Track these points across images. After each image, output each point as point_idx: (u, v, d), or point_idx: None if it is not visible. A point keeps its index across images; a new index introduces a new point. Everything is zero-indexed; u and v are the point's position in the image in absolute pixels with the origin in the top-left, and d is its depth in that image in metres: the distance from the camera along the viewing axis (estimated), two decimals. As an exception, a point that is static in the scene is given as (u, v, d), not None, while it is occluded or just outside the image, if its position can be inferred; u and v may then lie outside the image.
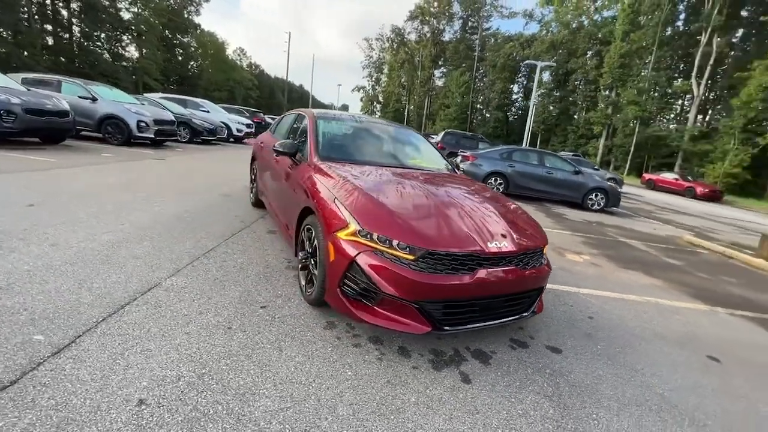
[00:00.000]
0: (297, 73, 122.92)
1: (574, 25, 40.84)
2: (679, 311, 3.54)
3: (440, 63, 55.96)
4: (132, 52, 38.31)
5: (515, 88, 50.03)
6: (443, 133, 17.64)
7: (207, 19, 68.57)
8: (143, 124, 9.11)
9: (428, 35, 54.52)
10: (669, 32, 31.95)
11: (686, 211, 14.02)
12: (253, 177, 5.07)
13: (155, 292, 2.45)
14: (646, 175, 24.33)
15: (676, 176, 22.29)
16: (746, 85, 25.69)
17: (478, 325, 2.22)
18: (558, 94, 42.79)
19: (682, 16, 32.54)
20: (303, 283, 2.69)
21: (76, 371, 1.67)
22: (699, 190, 20.15)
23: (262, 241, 3.77)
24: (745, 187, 26.68)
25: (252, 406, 1.63)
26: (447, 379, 2.02)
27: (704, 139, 29.47)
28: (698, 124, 31.56)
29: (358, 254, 2.08)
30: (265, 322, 2.30)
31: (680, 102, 35.48)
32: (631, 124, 32.54)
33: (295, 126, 3.97)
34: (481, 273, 2.11)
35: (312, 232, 2.54)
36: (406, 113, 57.98)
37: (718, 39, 29.19)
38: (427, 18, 54.12)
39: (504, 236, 2.30)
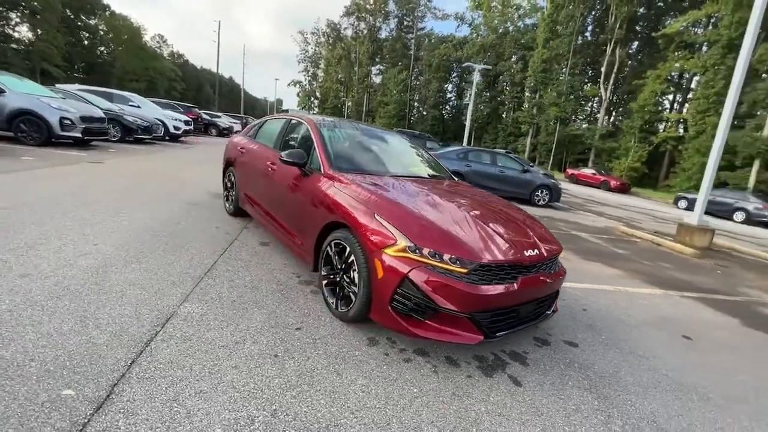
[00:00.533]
0: (227, 64, 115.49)
1: (500, 30, 43.73)
2: (643, 297, 4.07)
3: (377, 60, 56.44)
4: (24, 32, 32.89)
5: (449, 87, 52.29)
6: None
7: (119, 1, 61.21)
8: (68, 122, 7.93)
9: (365, 32, 54.59)
10: (581, 42, 35.68)
11: (607, 202, 15.92)
12: (228, 184, 4.73)
13: (175, 323, 2.21)
14: (569, 170, 27.06)
15: (593, 171, 25.15)
16: (642, 91, 29.85)
17: (519, 328, 2.36)
18: (488, 94, 45.59)
19: (590, 28, 36.63)
20: (331, 300, 2.61)
21: (134, 428, 1.47)
22: (612, 183, 22.96)
23: (259, 255, 3.55)
24: (643, 179, 30.96)
25: (345, 439, 1.57)
26: (501, 385, 2.12)
27: (611, 137, 33.50)
28: (606, 124, 35.73)
29: (410, 270, 2.09)
30: (308, 346, 2.21)
31: (590, 104, 39.87)
32: (552, 124, 35.87)
33: (289, 132, 3.78)
34: (523, 280, 2.25)
35: (343, 248, 2.47)
36: (345, 110, 57.57)
37: (620, 50, 33.31)
38: (363, 15, 54.12)
39: (534, 244, 2.46)
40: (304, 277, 3.17)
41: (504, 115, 45.02)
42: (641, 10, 33.54)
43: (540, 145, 38.11)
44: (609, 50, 33.38)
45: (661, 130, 30.53)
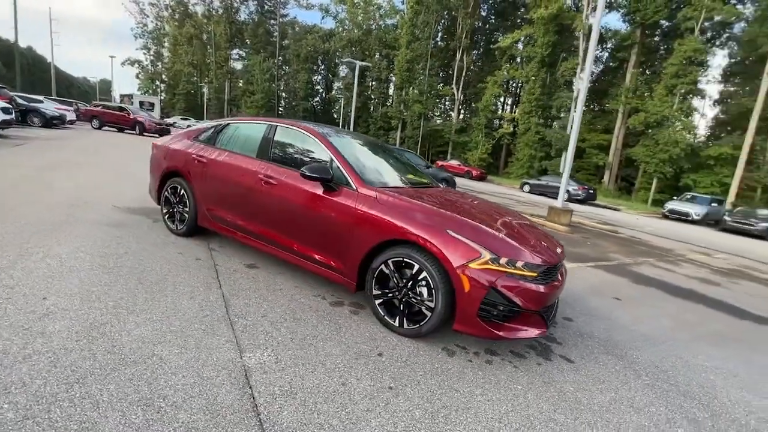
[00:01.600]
0: (27, 34, 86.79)
1: (364, 27, 45.42)
2: (572, 271, 5.15)
3: (237, 44, 51.74)
4: None
5: (318, 78, 51.90)
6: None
7: None
8: None
9: (220, 11, 49.21)
10: (436, 46, 40.05)
11: (477, 189, 18.66)
12: (174, 199, 3.92)
13: (260, 379, 1.90)
14: (439, 162, 30.40)
15: (458, 162, 28.87)
16: (484, 93, 35.47)
17: (554, 318, 2.81)
18: (358, 88, 47.08)
19: (439, 35, 41.42)
20: (391, 319, 2.59)
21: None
22: (474, 172, 26.84)
23: (258, 279, 3.15)
24: (489, 168, 37.14)
25: (523, 447, 1.71)
26: (562, 364, 2.53)
27: (464, 132, 38.94)
28: (459, 121, 41.23)
29: (496, 280, 2.28)
30: (405, 370, 2.19)
31: (446, 102, 45.36)
32: (417, 119, 39.54)
33: (276, 141, 3.37)
34: (558, 277, 2.69)
35: (405, 265, 2.49)
36: (203, 97, 51.15)
37: (466, 57, 38.73)
38: (215, -9, 48.62)
39: (555, 245, 2.94)
40: (330, 299, 2.99)
41: (372, 110, 47.27)
42: (479, 24, 39.67)
43: (407, 138, 41.52)
44: (458, 56, 38.37)
45: (500, 127, 36.91)
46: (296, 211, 3.00)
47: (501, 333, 2.33)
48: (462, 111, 46.11)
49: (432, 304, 2.42)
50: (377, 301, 2.66)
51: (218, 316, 2.44)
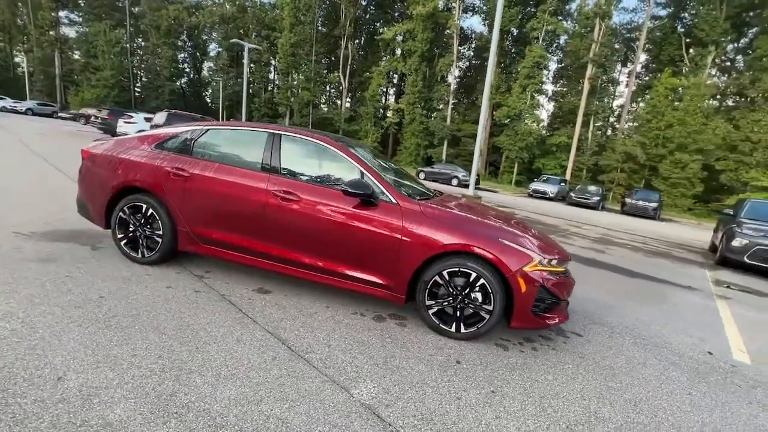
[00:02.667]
0: None
1: (238, 3, 41.44)
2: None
3: (68, 5, 41.34)
4: None
5: (184, 56, 45.54)
6: (165, 113, 14.48)
7: None
8: None
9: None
10: (322, 31, 39.17)
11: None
12: (139, 221, 3.21)
13: (389, 413, 1.87)
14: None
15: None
16: (371, 83, 36.49)
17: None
18: (235, 71, 43.02)
19: (320, 20, 40.66)
20: (447, 326, 2.74)
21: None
22: (369, 161, 27.67)
23: (289, 307, 2.89)
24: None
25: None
26: (578, 339, 3.08)
27: (353, 121, 39.53)
28: (347, 109, 41.57)
29: (544, 279, 2.65)
30: (487, 372, 2.39)
31: (333, 90, 45.04)
32: (306, 107, 38.45)
33: (281, 152, 3.04)
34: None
35: (462, 274, 2.66)
36: (17, 70, 39.64)
37: (351, 45, 39.01)
38: (26, -68, 37.67)
39: (557, 245, 3.48)
40: (369, 315, 2.96)
41: (253, 95, 43.94)
42: (361, 13, 40.23)
43: (297, 126, 40.12)
44: (343, 44, 38.36)
45: (387, 117, 38.59)
46: (330, 229, 2.84)
47: (546, 322, 2.72)
48: (349, 100, 46.53)
49: (490, 307, 2.64)
50: (431, 311, 2.76)
51: (286, 356, 2.22)
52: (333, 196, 2.84)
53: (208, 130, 3.29)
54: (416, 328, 2.83)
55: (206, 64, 48.25)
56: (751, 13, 27.96)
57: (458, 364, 2.43)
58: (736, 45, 30.26)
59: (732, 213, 7.96)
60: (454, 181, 21.33)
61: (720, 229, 8.23)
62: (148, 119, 16.18)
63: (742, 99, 29.19)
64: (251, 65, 42.92)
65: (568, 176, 28.69)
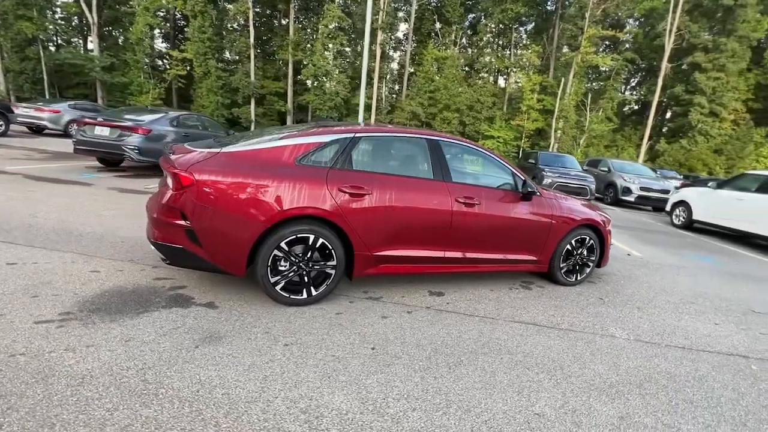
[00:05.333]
0: None
1: None
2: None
3: None
4: None
5: None
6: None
7: None
8: None
9: None
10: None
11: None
12: (304, 258, 2.63)
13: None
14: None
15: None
16: (136, 22, 28.66)
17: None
18: None
19: None
20: (570, 278, 3.86)
21: None
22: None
23: (486, 302, 3.28)
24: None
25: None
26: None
27: (115, 70, 30.44)
28: (104, 56, 31.33)
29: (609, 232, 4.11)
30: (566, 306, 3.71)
31: (75, 25, 32.44)
32: (28, 44, 26.74)
33: (448, 157, 3.17)
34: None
35: (585, 239, 3.82)
36: None
37: (92, -38, 28.67)
38: None
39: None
40: (517, 285, 3.71)
41: None
42: None
43: (16, 74, 27.59)
44: (79, -42, 27.82)
45: (170, 68, 31.67)
46: (504, 224, 3.38)
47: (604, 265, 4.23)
48: (104, 42, 34.95)
49: (594, 258, 3.92)
50: (563, 270, 3.79)
51: (556, 333, 2.84)
52: (501, 196, 3.32)
53: (360, 138, 2.91)
54: (549, 286, 3.80)
55: None
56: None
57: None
58: (468, 24, 39.81)
59: (533, 161, 11.95)
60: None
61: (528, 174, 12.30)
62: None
63: (473, 70, 39.81)
64: None
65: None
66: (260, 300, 2.74)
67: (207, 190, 2.43)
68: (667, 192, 10.91)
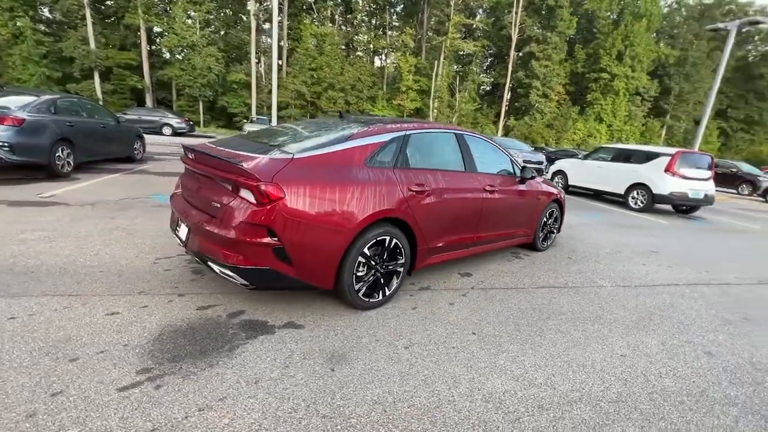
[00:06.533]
0: None
1: None
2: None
3: None
4: None
5: None
6: None
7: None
8: None
9: None
10: None
11: None
12: (380, 260, 2.63)
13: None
14: None
15: None
16: None
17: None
18: None
19: None
20: (545, 243, 4.66)
21: None
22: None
23: (512, 275, 3.73)
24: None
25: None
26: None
27: None
28: None
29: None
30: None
31: None
32: None
33: (470, 149, 3.46)
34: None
35: (551, 213, 4.62)
36: None
37: None
38: None
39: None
40: (514, 254, 4.31)
41: None
42: None
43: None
44: None
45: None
46: (512, 205, 3.94)
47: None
48: None
49: (558, 225, 4.81)
50: (540, 239, 4.54)
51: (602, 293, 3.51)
52: (509, 182, 3.81)
53: (410, 135, 2.95)
54: (533, 254, 4.52)
55: None
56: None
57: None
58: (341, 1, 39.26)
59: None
60: (167, 130, 17.78)
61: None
62: None
63: (351, 48, 39.89)
64: None
65: (253, 113, 30.01)
66: (326, 310, 2.61)
67: (296, 201, 2.18)
68: (541, 163, 13.37)
